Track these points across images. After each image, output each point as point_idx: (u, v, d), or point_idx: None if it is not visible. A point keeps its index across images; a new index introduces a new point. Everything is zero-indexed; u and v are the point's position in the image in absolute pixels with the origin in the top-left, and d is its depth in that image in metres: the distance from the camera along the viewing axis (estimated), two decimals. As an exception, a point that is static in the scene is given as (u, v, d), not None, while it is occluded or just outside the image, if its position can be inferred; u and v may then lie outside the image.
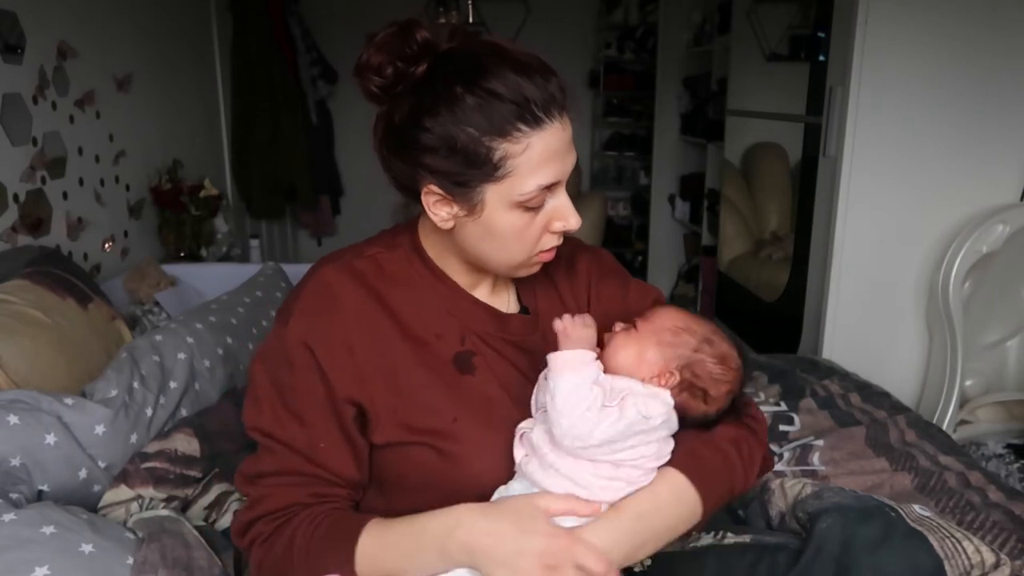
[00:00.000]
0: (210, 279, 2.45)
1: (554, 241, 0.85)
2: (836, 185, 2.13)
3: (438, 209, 0.82)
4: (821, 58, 2.21)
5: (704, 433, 0.89)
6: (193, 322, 1.69)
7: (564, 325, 0.82)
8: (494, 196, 0.79)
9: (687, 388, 0.85)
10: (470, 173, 0.78)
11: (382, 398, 0.84)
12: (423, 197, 0.82)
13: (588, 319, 0.84)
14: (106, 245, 2.38)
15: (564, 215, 0.83)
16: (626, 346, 0.86)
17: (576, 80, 4.51)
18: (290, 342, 0.83)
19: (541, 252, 0.85)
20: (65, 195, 2.15)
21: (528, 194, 0.79)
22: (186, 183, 2.76)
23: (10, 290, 1.56)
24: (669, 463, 0.86)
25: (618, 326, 0.88)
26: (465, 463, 0.85)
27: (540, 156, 0.78)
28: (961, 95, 2.09)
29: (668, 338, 0.85)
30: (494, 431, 0.86)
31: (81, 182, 2.24)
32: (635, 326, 0.87)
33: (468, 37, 0.81)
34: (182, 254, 2.73)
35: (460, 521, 0.78)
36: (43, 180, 2.04)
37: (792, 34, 2.63)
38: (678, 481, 0.85)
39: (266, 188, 3.71)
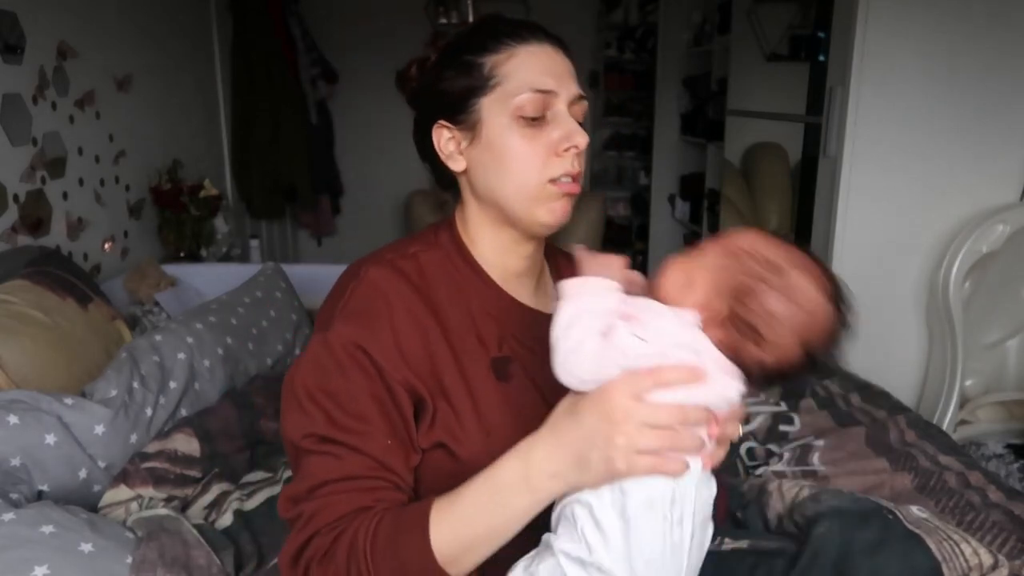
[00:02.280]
0: (210, 279, 2.45)
1: (565, 166, 0.83)
2: (836, 185, 2.13)
3: (447, 146, 0.85)
4: (821, 58, 2.21)
5: None
6: (193, 322, 1.69)
7: (583, 255, 0.75)
8: (491, 110, 0.81)
9: (735, 323, 0.70)
10: (466, 88, 0.82)
11: (432, 399, 0.81)
12: (435, 138, 0.85)
13: (619, 260, 0.76)
14: (106, 245, 2.38)
15: (568, 133, 0.83)
16: (676, 268, 0.74)
17: (576, 80, 4.50)
18: (337, 346, 0.78)
19: (555, 181, 0.82)
20: (65, 195, 2.15)
21: (522, 100, 0.80)
22: (186, 183, 2.76)
23: (10, 290, 1.56)
24: None
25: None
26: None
27: (528, 64, 0.81)
28: (961, 94, 2.08)
29: (726, 262, 0.72)
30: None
31: (81, 182, 2.24)
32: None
33: None
34: (182, 254, 2.73)
35: (531, 452, 0.72)
36: (43, 180, 2.04)
37: (792, 34, 2.63)
38: None
39: (266, 188, 3.71)
